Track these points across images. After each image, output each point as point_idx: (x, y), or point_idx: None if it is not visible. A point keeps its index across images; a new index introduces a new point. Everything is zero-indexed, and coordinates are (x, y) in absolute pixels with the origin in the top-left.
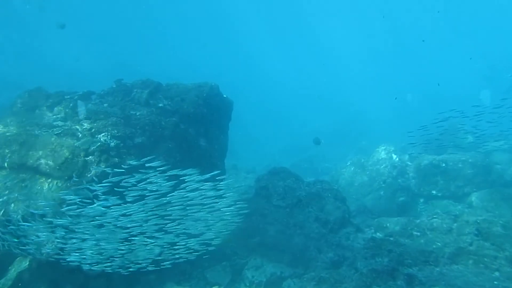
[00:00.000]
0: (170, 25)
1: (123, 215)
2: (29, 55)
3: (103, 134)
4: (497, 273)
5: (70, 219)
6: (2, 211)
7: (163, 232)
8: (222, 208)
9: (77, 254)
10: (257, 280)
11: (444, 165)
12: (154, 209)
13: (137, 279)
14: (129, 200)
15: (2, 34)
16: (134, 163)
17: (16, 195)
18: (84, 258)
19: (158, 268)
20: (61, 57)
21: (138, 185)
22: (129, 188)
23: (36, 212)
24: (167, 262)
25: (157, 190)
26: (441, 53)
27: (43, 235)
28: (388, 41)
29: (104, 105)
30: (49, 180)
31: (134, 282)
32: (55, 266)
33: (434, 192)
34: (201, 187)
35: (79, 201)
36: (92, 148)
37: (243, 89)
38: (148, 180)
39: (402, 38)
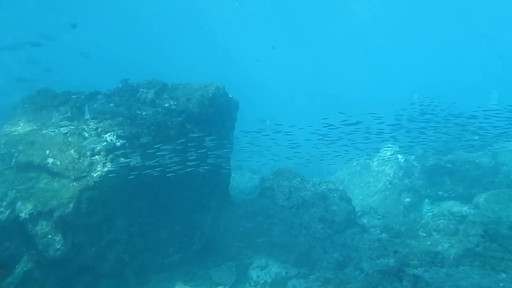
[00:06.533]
0: (173, 26)
1: None
2: (41, 54)
3: (109, 133)
4: (503, 275)
5: None
6: (9, 210)
7: None
8: None
9: None
10: (262, 280)
11: (450, 165)
12: None
13: (148, 278)
14: None
15: (13, 34)
16: None
17: (23, 194)
18: None
19: None
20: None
21: None
22: None
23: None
24: None
25: None
26: (452, 52)
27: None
28: (394, 40)
29: (111, 105)
30: (56, 179)
31: (145, 281)
32: (64, 265)
33: (440, 193)
34: None
35: None
36: (98, 147)
37: (248, 90)
38: None
39: (406, 38)
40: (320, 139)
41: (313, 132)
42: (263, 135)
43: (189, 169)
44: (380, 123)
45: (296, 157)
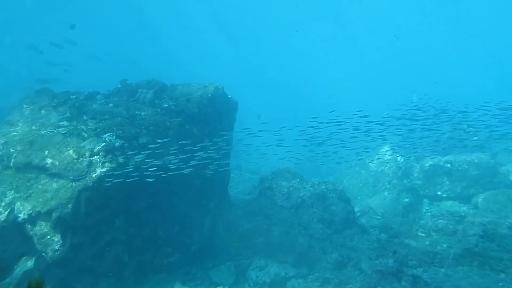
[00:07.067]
0: (173, 26)
1: None
2: (40, 55)
3: (108, 134)
4: (502, 275)
5: None
6: (8, 211)
7: None
8: None
9: None
10: (261, 281)
11: (449, 166)
12: None
13: (147, 279)
14: None
15: (11, 34)
16: None
17: (22, 194)
18: None
19: None
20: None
21: None
22: None
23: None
24: None
25: None
26: (450, 54)
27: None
28: (394, 41)
29: (109, 105)
30: (55, 179)
31: (144, 282)
32: (63, 266)
33: (439, 193)
34: None
35: None
36: (97, 148)
37: (246, 88)
38: None
39: (407, 38)
40: (308, 140)
41: (303, 132)
42: (252, 135)
43: (186, 170)
44: (369, 122)
45: (287, 157)
